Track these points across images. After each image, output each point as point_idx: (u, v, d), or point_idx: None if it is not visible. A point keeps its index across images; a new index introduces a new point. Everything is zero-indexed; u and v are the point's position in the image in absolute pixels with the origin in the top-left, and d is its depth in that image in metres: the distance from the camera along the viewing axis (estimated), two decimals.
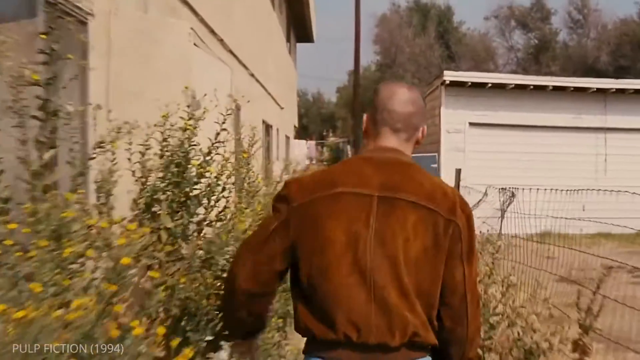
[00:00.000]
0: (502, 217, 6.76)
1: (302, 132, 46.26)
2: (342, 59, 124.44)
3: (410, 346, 1.85)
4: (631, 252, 10.33)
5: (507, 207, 6.64)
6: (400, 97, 2.00)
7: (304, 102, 48.49)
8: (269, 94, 13.77)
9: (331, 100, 49.55)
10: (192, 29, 4.69)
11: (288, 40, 20.58)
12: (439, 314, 1.93)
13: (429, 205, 1.88)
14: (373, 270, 1.83)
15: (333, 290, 1.84)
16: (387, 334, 1.82)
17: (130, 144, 3.34)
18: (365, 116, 2.08)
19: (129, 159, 3.38)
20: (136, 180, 3.43)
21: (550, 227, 5.42)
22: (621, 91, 15.03)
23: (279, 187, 3.04)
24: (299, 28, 23.70)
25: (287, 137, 19.65)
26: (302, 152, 27.34)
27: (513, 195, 6.57)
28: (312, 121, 51.89)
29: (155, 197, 3.37)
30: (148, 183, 3.43)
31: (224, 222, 3.64)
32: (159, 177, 3.42)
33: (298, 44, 26.49)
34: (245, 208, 4.23)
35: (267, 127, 13.61)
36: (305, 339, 1.94)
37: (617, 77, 18.30)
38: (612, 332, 4.99)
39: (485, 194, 7.04)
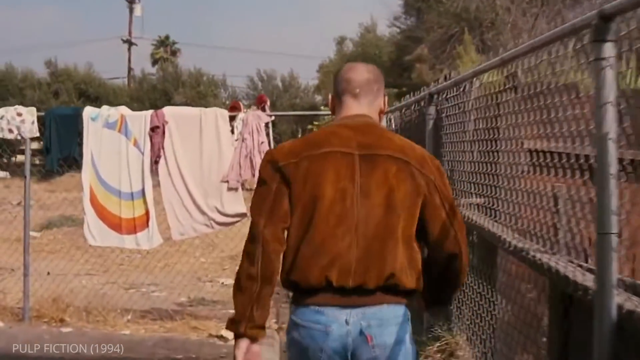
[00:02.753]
0: None
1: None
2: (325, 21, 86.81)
3: (385, 290, 2.10)
4: None
5: None
6: (357, 68, 2.34)
7: (272, 87, 32.77)
8: None
9: (310, 84, 33.44)
10: None
11: None
12: (435, 248, 2.22)
13: (403, 157, 2.17)
14: (360, 221, 2.11)
15: (320, 240, 2.10)
16: (365, 277, 2.08)
17: None
18: (330, 96, 2.39)
19: None
20: None
21: None
22: None
23: None
24: None
25: None
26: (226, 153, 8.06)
27: None
28: (283, 118, 36.18)
29: None
30: None
31: None
32: None
33: None
34: None
35: None
36: (292, 293, 2.21)
37: None
38: None
39: None
